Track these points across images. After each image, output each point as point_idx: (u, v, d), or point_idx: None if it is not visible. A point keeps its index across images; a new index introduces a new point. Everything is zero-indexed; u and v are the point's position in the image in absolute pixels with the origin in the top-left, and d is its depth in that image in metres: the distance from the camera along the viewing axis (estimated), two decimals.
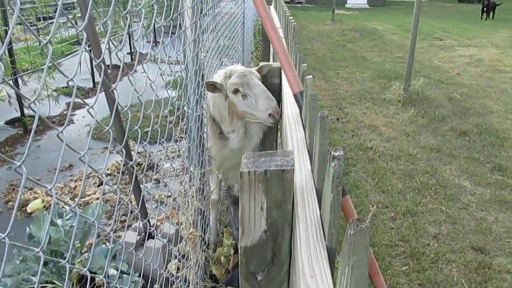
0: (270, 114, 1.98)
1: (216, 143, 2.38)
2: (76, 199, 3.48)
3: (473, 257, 3.05)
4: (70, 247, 0.77)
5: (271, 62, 2.33)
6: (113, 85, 1.02)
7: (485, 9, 17.90)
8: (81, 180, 3.88)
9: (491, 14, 17.86)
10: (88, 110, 0.83)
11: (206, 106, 2.48)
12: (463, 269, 2.95)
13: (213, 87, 2.11)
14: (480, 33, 13.77)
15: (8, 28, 4.66)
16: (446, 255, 3.07)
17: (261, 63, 2.21)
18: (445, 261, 3.02)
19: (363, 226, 0.57)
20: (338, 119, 5.81)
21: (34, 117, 0.64)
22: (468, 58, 9.72)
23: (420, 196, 3.85)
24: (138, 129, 1.23)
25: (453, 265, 2.98)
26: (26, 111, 5.06)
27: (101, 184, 3.79)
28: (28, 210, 3.37)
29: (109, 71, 6.31)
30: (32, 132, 0.75)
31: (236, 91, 2.07)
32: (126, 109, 1.06)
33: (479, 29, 15.04)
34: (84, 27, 0.81)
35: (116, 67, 7.65)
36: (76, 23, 7.59)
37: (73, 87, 0.79)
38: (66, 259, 0.72)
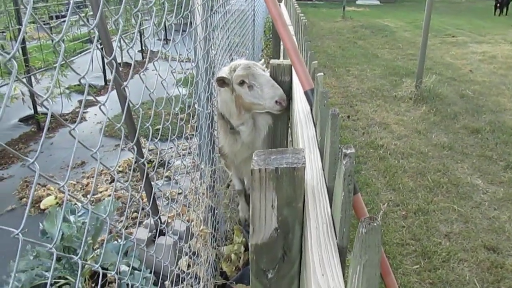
0: (276, 101, 2.02)
1: (228, 139, 2.42)
2: (88, 196, 3.52)
3: (486, 256, 3.02)
4: (82, 243, 0.77)
5: (281, 60, 2.32)
6: (124, 83, 1.02)
7: (498, 5, 17.62)
8: (93, 177, 3.91)
9: (504, 10, 17.56)
10: (100, 107, 0.84)
11: (216, 103, 2.53)
12: (475, 268, 2.92)
13: (222, 81, 2.17)
14: (493, 30, 13.57)
15: (22, 27, 4.70)
16: (458, 254, 3.04)
17: (271, 61, 2.21)
18: (457, 260, 2.99)
19: (375, 224, 0.56)
20: (348, 116, 5.78)
21: (47, 114, 0.65)
22: (481, 55, 9.60)
23: (431, 195, 3.81)
24: (150, 127, 1.23)
25: (465, 264, 2.96)
26: (39, 108, 5.12)
27: (113, 181, 3.82)
28: (42, 207, 3.41)
29: (120, 69, 6.35)
30: (45, 129, 0.76)
31: (242, 83, 2.12)
32: (137, 106, 1.07)
33: (492, 25, 14.84)
34: (96, 25, 0.81)
35: (128, 64, 7.70)
36: (88, 21, 7.65)
37: (85, 84, 0.80)
38: (78, 255, 0.73)
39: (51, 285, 2.23)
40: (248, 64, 2.16)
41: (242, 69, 2.12)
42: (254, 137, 2.32)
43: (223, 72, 2.23)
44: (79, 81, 0.75)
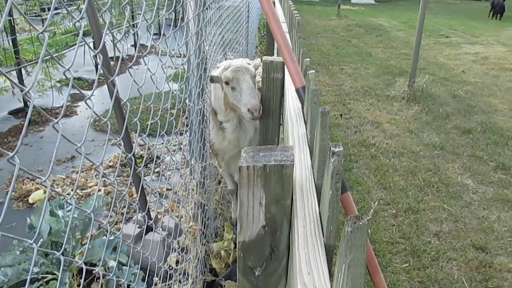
0: (248, 110, 2.07)
1: (217, 135, 2.51)
2: (77, 191, 3.49)
3: (474, 255, 3.04)
4: (65, 239, 0.76)
5: (275, 57, 2.31)
6: (112, 77, 1.01)
7: (492, 11, 17.71)
8: (83, 171, 3.88)
9: (498, 16, 17.60)
10: (85, 101, 0.82)
11: (208, 100, 2.57)
12: (464, 267, 2.94)
13: (212, 79, 2.29)
14: (486, 31, 13.66)
15: (13, 19, 4.65)
16: (447, 253, 3.06)
17: (264, 58, 2.19)
18: (446, 259, 3.01)
19: (361, 223, 0.55)
20: (341, 115, 5.79)
21: (37, 107, 0.64)
22: (473, 56, 9.65)
23: (422, 194, 3.83)
24: (138, 122, 1.22)
25: (454, 263, 2.97)
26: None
27: (103, 175, 3.79)
28: (30, 201, 3.38)
29: (112, 63, 6.30)
30: (26, 123, 0.74)
31: (227, 83, 2.21)
32: (125, 101, 1.05)
33: (485, 26, 14.93)
34: (82, 16, 0.80)
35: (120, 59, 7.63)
36: (80, 14, 7.58)
37: (72, 78, 0.78)
38: (60, 251, 0.72)
39: (38, 280, 2.21)
40: (239, 68, 2.21)
41: (230, 71, 2.19)
42: (239, 136, 2.43)
43: (216, 70, 2.32)
44: (64, 74, 0.74)
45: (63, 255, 0.73)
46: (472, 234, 3.28)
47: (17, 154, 0.61)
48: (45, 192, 3.46)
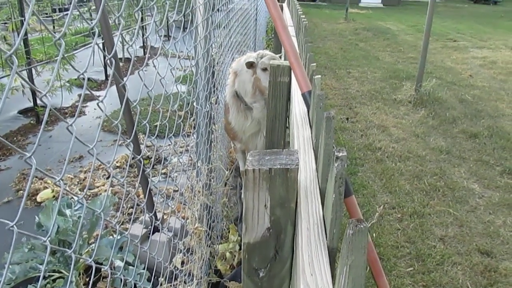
0: None
1: (239, 115, 2.84)
2: (84, 190, 3.53)
3: (480, 260, 3.04)
4: (77, 237, 0.78)
5: (282, 60, 2.34)
6: (124, 79, 1.03)
7: None
8: (90, 171, 3.92)
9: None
10: (98, 104, 0.85)
11: (227, 89, 2.92)
12: (469, 272, 2.94)
13: (250, 64, 2.65)
14: (494, 35, 13.59)
15: (24, 19, 4.70)
16: (452, 258, 3.06)
17: (271, 61, 2.23)
18: (451, 263, 3.01)
19: (362, 226, 0.57)
20: (347, 118, 5.80)
21: (46, 107, 0.66)
22: (481, 60, 9.61)
23: (427, 198, 3.83)
24: (147, 124, 1.24)
25: (459, 268, 2.97)
26: (39, 101, 5.11)
27: (110, 176, 3.83)
28: (38, 200, 3.42)
29: (121, 64, 6.36)
30: (43, 124, 0.77)
31: (265, 69, 2.59)
32: (135, 103, 1.08)
33: (493, 30, 14.85)
34: (98, 20, 0.82)
35: (129, 60, 7.69)
36: (91, 16, 7.65)
37: (83, 79, 0.81)
38: (72, 249, 0.74)
39: (45, 278, 2.24)
40: (274, 57, 2.66)
41: (267, 59, 2.59)
42: (264, 115, 2.65)
43: (252, 57, 2.71)
44: (78, 77, 0.76)
45: (74, 253, 0.75)
46: (477, 238, 3.28)
47: (24, 156, 0.64)
48: (53, 191, 3.50)
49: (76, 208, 2.57)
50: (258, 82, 2.68)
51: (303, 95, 1.60)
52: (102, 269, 2.32)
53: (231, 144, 3.50)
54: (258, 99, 2.74)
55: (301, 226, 0.87)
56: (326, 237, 0.83)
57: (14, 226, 0.62)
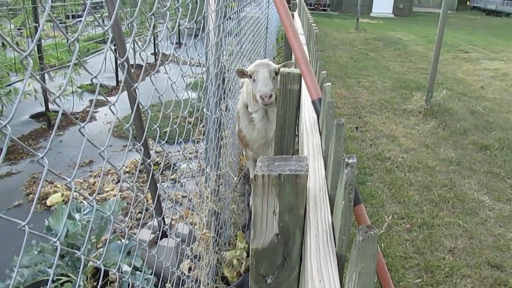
0: (260, 96, 2.43)
1: (249, 127, 2.85)
2: (94, 195, 3.55)
3: (489, 273, 3.00)
4: (85, 241, 0.79)
5: (292, 68, 2.35)
6: (135, 84, 1.04)
7: None
8: (100, 176, 3.94)
9: None
10: (110, 107, 0.86)
11: (241, 97, 2.93)
12: (478, 285, 2.90)
13: (241, 73, 2.63)
14: (507, 47, 13.51)
15: (39, 25, 4.78)
16: (461, 270, 3.02)
17: (282, 69, 2.23)
18: (460, 276, 2.97)
19: (372, 233, 0.57)
20: (357, 127, 5.78)
21: (58, 112, 0.67)
22: (493, 72, 9.55)
23: (437, 209, 3.79)
24: (158, 128, 1.25)
25: (468, 281, 2.93)
26: (50, 106, 5.17)
27: (119, 181, 3.85)
28: (48, 203, 3.44)
29: (132, 70, 6.41)
30: (56, 126, 0.78)
31: (250, 76, 2.56)
32: (146, 108, 1.09)
33: (505, 42, 14.77)
34: (111, 26, 0.83)
35: (140, 66, 7.76)
36: (103, 22, 7.75)
37: (96, 84, 0.82)
38: (81, 251, 0.75)
39: (53, 281, 2.25)
40: (260, 63, 2.54)
41: (252, 66, 2.55)
42: (266, 127, 2.74)
43: (248, 67, 2.69)
44: (91, 80, 0.77)
45: (83, 255, 0.76)
46: (487, 251, 3.24)
47: (37, 157, 0.64)
48: (62, 195, 3.52)
49: (85, 212, 2.58)
50: (253, 91, 2.64)
51: (313, 102, 1.61)
52: (110, 273, 2.32)
53: (242, 151, 3.50)
54: (258, 109, 2.69)
55: (309, 232, 0.86)
56: (335, 244, 0.83)
57: (26, 226, 0.63)
